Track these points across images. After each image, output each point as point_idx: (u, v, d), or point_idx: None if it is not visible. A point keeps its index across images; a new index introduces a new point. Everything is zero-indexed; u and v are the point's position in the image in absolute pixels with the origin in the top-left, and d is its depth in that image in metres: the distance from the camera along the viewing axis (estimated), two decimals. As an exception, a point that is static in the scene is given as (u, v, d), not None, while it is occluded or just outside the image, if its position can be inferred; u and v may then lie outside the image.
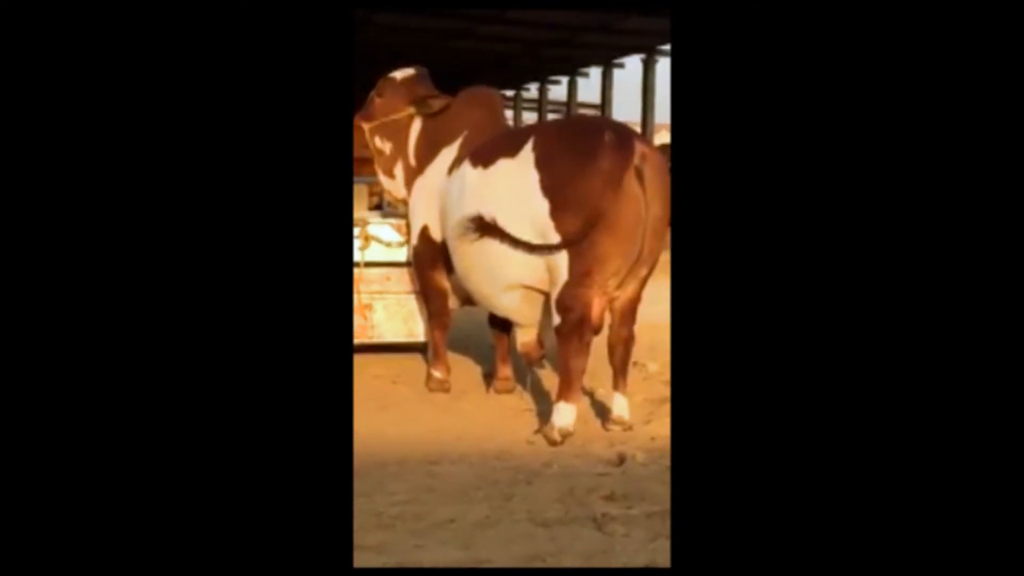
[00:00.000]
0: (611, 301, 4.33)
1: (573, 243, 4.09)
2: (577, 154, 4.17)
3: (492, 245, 4.39)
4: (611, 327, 4.37)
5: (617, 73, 21.20)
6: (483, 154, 4.61)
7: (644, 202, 4.10)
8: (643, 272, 4.26)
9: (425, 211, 5.04)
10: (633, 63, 20.20)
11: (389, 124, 5.24)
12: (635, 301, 4.35)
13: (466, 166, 4.68)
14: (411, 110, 5.20)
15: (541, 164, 4.23)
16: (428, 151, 5.14)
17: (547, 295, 4.33)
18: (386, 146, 5.29)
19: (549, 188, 4.16)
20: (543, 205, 4.17)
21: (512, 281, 4.43)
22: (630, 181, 4.09)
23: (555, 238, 4.13)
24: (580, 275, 4.11)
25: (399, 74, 5.35)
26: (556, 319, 4.18)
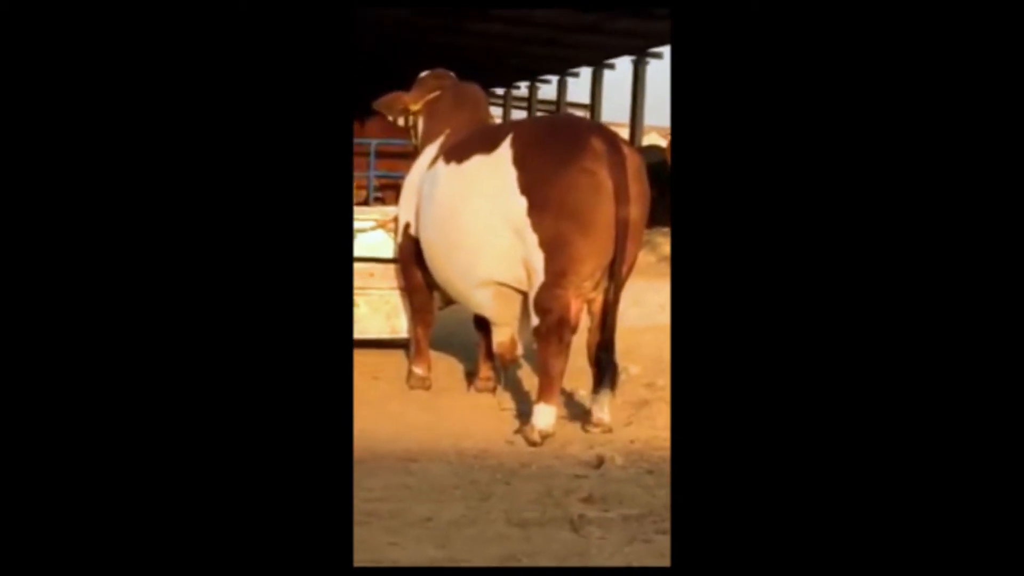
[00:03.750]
0: (589, 303, 4.32)
1: (550, 242, 4.06)
2: (557, 152, 4.14)
3: (465, 241, 4.37)
4: (590, 329, 4.36)
5: (607, 74, 21.21)
6: (458, 150, 4.59)
7: (622, 203, 4.07)
8: (621, 274, 4.23)
9: (407, 208, 5.03)
10: (623, 64, 20.21)
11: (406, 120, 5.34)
12: (614, 303, 4.29)
13: (440, 162, 4.66)
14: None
15: (519, 161, 4.20)
16: (421, 148, 5.17)
17: (524, 294, 4.31)
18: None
19: (527, 186, 4.14)
20: (520, 203, 4.14)
21: (485, 278, 4.41)
22: (609, 181, 4.07)
23: (532, 237, 4.11)
24: (556, 275, 4.10)
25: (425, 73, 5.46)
26: (535, 320, 4.17)
